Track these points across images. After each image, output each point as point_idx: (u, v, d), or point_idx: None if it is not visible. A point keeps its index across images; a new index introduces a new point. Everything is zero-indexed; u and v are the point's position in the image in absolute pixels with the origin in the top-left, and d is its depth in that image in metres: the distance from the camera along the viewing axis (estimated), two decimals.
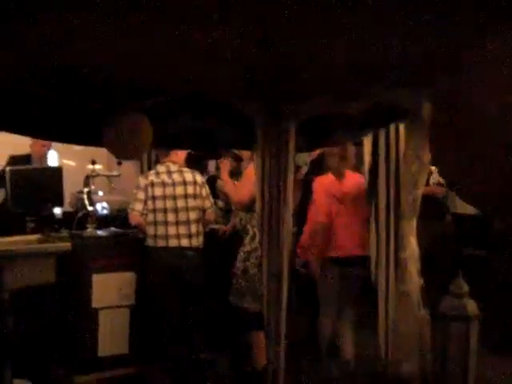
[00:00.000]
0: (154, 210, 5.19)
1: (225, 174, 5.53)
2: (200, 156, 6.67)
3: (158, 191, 5.20)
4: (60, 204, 5.96)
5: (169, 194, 5.20)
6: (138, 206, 5.20)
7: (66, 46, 2.52)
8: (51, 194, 5.85)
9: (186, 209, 5.24)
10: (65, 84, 3.25)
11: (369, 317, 5.17)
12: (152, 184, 5.20)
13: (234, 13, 2.17)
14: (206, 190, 5.41)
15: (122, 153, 3.91)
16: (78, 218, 5.63)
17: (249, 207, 5.28)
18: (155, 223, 5.17)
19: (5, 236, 5.27)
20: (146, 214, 5.20)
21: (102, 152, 4.07)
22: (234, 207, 5.68)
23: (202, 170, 6.74)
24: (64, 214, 5.99)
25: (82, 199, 5.70)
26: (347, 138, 5.01)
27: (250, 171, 5.14)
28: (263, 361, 4.67)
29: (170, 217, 5.18)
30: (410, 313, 5.02)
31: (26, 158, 6.77)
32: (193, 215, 5.27)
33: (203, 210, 5.37)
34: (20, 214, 5.65)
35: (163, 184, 5.21)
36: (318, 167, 6.03)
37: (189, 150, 6.04)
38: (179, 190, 5.24)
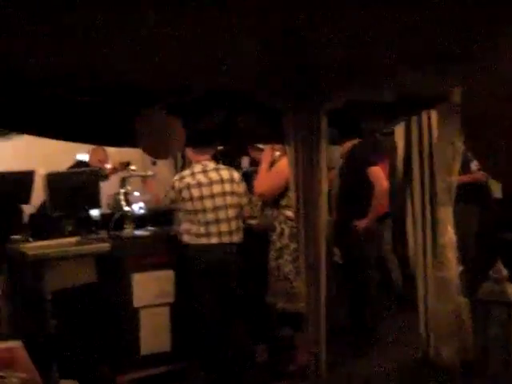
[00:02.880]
0: (195, 211, 5.20)
1: (264, 163, 5.38)
2: (233, 152, 6.67)
3: (196, 192, 5.20)
4: (97, 206, 6.03)
5: (206, 194, 5.21)
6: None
7: (92, 52, 2.56)
8: (88, 196, 5.91)
9: (226, 206, 5.23)
10: (98, 89, 3.31)
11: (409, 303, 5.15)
12: (188, 186, 5.21)
13: (256, 2, 2.18)
14: (243, 187, 5.41)
15: (155, 152, 3.95)
16: (115, 219, 5.68)
17: (272, 201, 5.26)
18: (195, 223, 5.19)
19: (44, 239, 5.38)
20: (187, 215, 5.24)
21: (136, 153, 4.11)
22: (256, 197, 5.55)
23: (236, 166, 6.73)
24: (101, 215, 6.04)
25: (119, 200, 5.75)
26: (377, 128, 4.99)
27: (282, 165, 5.09)
28: (302, 361, 4.67)
29: (210, 216, 5.18)
30: (449, 299, 4.99)
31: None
32: (232, 212, 5.27)
33: (241, 207, 5.37)
34: (58, 217, 5.72)
35: (199, 184, 5.21)
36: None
37: (221, 147, 6.06)
38: (217, 189, 5.24)
